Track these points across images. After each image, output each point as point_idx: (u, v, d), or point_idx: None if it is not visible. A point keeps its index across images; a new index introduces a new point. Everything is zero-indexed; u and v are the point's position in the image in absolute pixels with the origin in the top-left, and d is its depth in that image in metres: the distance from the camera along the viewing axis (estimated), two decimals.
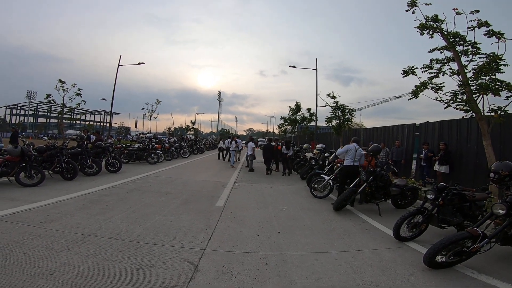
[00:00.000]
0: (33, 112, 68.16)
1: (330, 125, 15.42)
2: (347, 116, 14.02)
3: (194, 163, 14.88)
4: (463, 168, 8.19)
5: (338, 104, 14.04)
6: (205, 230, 4.12)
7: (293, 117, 29.76)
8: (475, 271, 3.17)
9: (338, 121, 14.22)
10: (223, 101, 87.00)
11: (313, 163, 9.57)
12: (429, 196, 4.08)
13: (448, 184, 4.20)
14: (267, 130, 77.07)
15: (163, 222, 4.34)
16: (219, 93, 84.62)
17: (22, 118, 70.16)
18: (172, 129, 51.29)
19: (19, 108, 67.24)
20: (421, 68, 7.20)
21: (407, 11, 7.40)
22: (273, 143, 12.05)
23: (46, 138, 11.91)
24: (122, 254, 3.03)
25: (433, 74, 7.05)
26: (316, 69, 21.95)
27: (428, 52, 7.34)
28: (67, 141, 9.06)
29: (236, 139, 14.94)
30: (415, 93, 6.99)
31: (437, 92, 6.86)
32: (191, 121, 53.17)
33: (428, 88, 6.88)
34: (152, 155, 12.93)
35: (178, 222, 4.42)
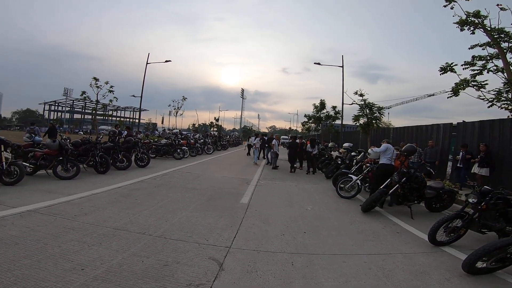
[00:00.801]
0: (69, 108, 72.66)
1: (357, 124, 14.90)
2: (375, 114, 13.45)
3: (218, 159, 15.07)
4: (504, 171, 7.54)
5: (366, 102, 13.51)
6: (230, 227, 4.11)
7: (317, 115, 29.18)
8: None
9: (366, 120, 13.68)
10: (246, 99, 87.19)
11: (339, 162, 9.28)
12: (471, 200, 3.80)
13: (491, 188, 3.88)
14: (290, 127, 76.37)
15: (189, 218, 4.39)
16: (242, 90, 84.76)
17: (59, 114, 75.09)
18: (196, 125, 52.31)
19: (56, 104, 71.94)
20: (461, 65, 6.74)
21: (445, 6, 6.98)
22: (298, 141, 11.86)
23: (82, 133, 12.67)
24: (150, 250, 3.08)
25: (475, 72, 6.56)
26: (342, 66, 21.28)
27: (469, 48, 6.86)
28: (101, 136, 9.52)
29: (264, 137, 14.88)
30: (456, 91, 6.56)
31: (479, 90, 6.38)
32: (215, 118, 53.92)
33: (470, 86, 6.41)
34: (178, 150, 13.26)
35: (204, 218, 4.45)
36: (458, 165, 8.56)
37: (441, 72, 6.98)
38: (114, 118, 71.74)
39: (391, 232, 4.49)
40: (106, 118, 76.40)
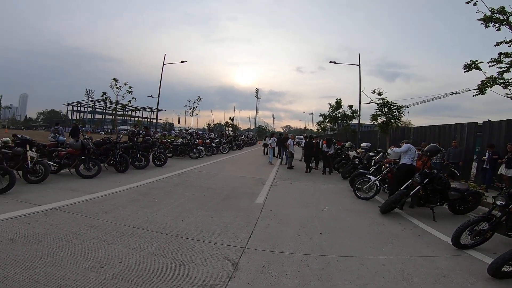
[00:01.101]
0: (91, 109, 75.51)
1: (375, 123, 14.51)
2: (394, 113, 13.01)
3: (233, 158, 15.15)
4: None
5: (385, 100, 13.11)
6: (245, 227, 4.11)
7: (333, 114, 28.70)
8: None
9: (384, 119, 13.29)
10: (260, 98, 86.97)
11: (357, 162, 9.06)
12: (498, 202, 3.61)
13: None
14: (305, 127, 75.48)
15: (205, 218, 4.43)
16: (257, 90, 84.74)
17: (82, 114, 78.15)
18: (211, 125, 52.88)
19: (79, 105, 74.93)
20: (487, 62, 6.42)
21: (467, 2, 6.67)
22: (314, 141, 11.71)
23: (103, 133, 13.12)
24: (166, 249, 3.12)
25: (503, 69, 6.23)
26: (359, 65, 20.79)
27: (495, 45, 6.54)
28: (121, 136, 9.80)
29: (280, 136, 14.81)
30: (482, 89, 6.25)
31: (507, 88, 6.04)
32: (230, 117, 54.29)
33: (497, 84, 6.09)
34: (194, 150, 13.43)
35: (220, 218, 4.47)
36: (484, 166, 8.14)
37: (466, 70, 6.69)
38: (133, 118, 73.93)
39: (411, 234, 4.34)
40: (126, 118, 78.98)
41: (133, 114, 72.80)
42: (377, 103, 13.18)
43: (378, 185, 6.37)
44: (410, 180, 5.30)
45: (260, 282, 2.57)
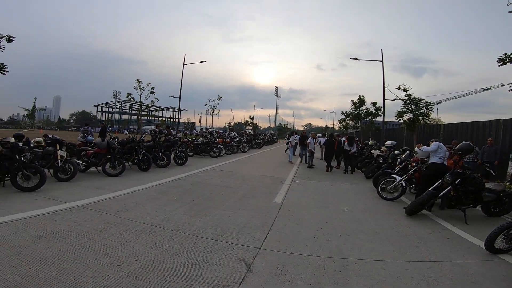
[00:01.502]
0: (118, 109, 79.08)
1: (401, 120, 13.84)
2: (422, 110, 12.30)
3: (253, 157, 15.15)
4: None
5: (411, 97, 12.43)
6: (262, 228, 4.05)
7: (356, 112, 27.80)
8: None
9: (411, 116, 12.61)
10: (280, 97, 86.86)
11: (381, 161, 8.68)
12: None
13: None
14: (326, 125, 73.91)
15: (222, 217, 4.43)
16: (276, 88, 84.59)
17: (109, 115, 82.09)
18: (232, 124, 53.32)
19: (107, 106, 78.73)
20: None
21: None
22: (335, 139, 11.41)
23: (127, 133, 13.66)
24: (181, 248, 3.14)
25: None
26: (382, 61, 19.91)
27: None
28: (144, 135, 10.12)
29: (295, 135, 14.62)
30: None
31: None
32: (250, 116, 54.44)
33: None
34: (214, 149, 13.58)
35: (236, 217, 4.45)
36: None
37: (500, 64, 6.19)
38: (157, 118, 76.49)
39: (440, 237, 4.07)
40: (150, 118, 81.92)
41: (157, 114, 75.36)
42: (402, 100, 12.54)
43: (404, 185, 6.04)
44: (440, 180, 4.96)
45: (272, 285, 2.50)
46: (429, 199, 4.90)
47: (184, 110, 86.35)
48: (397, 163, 7.22)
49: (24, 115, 70.02)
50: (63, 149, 7.49)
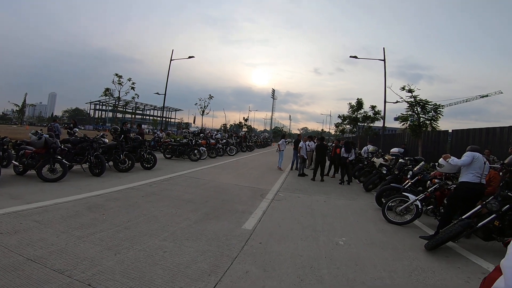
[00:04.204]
0: (111, 107, 77.07)
1: (404, 125, 12.43)
2: (430, 113, 10.85)
3: (238, 162, 13.61)
4: None
5: (417, 98, 11.01)
6: (208, 276, 2.55)
7: (354, 116, 26.42)
8: None
9: (416, 120, 11.17)
10: (276, 99, 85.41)
11: (384, 172, 7.20)
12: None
13: None
14: (322, 129, 72.41)
15: (153, 252, 2.91)
16: (273, 90, 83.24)
17: (103, 113, 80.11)
18: (228, 126, 51.63)
19: (101, 104, 76.69)
20: None
21: None
22: (329, 143, 9.95)
23: (98, 131, 11.98)
24: None
25: None
26: (384, 60, 18.64)
27: None
28: (101, 133, 8.55)
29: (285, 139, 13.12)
30: None
31: None
32: (244, 117, 52.77)
33: None
34: (196, 151, 12.03)
35: (175, 254, 2.93)
36: None
37: None
38: (150, 117, 74.77)
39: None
40: (144, 117, 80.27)
41: (153, 113, 73.70)
42: (408, 102, 11.10)
43: (420, 206, 4.54)
44: (479, 206, 3.48)
45: None
46: (463, 231, 3.42)
47: (180, 110, 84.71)
48: (408, 175, 5.68)
49: (13, 110, 68.04)
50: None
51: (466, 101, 58.33)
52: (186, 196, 5.57)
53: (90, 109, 79.76)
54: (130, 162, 7.95)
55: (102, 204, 4.50)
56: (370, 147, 10.75)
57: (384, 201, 5.49)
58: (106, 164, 7.93)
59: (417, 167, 5.54)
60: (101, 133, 8.32)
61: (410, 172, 5.43)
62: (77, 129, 13.24)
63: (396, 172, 6.44)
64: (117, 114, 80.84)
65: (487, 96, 55.06)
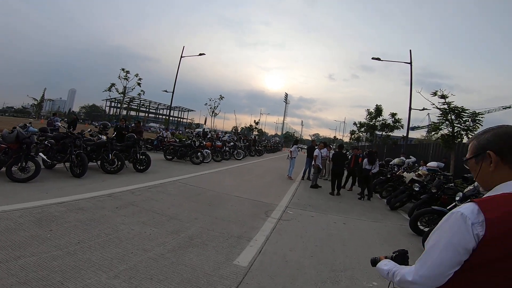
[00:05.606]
0: (126, 105, 77.83)
1: (434, 134, 11.00)
2: (468, 123, 9.37)
3: (245, 167, 12.51)
4: None
5: (451, 106, 9.58)
6: None
7: (371, 123, 24.79)
8: None
9: (450, 130, 9.70)
10: (289, 103, 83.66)
11: (416, 189, 5.92)
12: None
13: None
14: (334, 136, 70.22)
15: None
16: (286, 94, 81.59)
17: (118, 110, 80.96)
18: (239, 129, 50.65)
19: (116, 101, 77.59)
20: None
21: None
22: (356, 153, 8.74)
23: (95, 125, 11.00)
24: None
25: None
26: (411, 63, 17.28)
27: None
28: (89, 130, 7.66)
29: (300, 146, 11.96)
30: None
31: None
32: (255, 120, 51.57)
33: None
34: (199, 154, 11.03)
35: None
36: None
37: None
38: (163, 116, 74.93)
39: None
40: (157, 116, 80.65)
41: (165, 112, 73.75)
42: (440, 109, 9.68)
43: None
44: None
45: None
46: None
47: (192, 110, 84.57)
48: (457, 199, 4.36)
49: (31, 104, 69.77)
50: None
51: (489, 112, 55.76)
52: (172, 210, 4.51)
53: (106, 106, 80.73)
54: (119, 162, 7.01)
55: (58, 216, 3.50)
56: (398, 159, 9.42)
57: (421, 227, 4.31)
58: (96, 164, 7.09)
59: (468, 188, 4.27)
60: (89, 129, 7.45)
61: (460, 194, 4.16)
62: (59, 121, 12.47)
63: (434, 191, 5.17)
64: (131, 112, 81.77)
65: (510, 107, 52.70)
